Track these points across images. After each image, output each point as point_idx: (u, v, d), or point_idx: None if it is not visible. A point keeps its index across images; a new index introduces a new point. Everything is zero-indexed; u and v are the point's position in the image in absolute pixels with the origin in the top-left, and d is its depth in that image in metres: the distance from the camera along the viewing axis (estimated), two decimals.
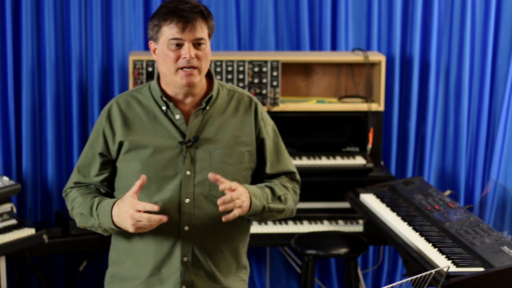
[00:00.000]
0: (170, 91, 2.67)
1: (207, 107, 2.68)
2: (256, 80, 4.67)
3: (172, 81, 2.63)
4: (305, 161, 4.65)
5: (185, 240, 2.64)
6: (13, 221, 4.28)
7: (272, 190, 2.71)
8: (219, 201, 2.53)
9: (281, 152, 2.80)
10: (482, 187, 5.04)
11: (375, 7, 4.95)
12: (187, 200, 2.63)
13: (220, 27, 4.93)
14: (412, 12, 4.95)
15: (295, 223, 4.63)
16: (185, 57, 2.57)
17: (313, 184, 4.68)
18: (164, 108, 2.66)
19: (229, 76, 4.65)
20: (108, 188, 2.73)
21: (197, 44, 2.59)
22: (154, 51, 2.65)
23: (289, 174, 2.82)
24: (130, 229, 2.54)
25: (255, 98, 2.78)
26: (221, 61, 4.64)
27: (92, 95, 4.86)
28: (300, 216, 4.66)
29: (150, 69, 4.59)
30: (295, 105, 4.74)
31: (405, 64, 5.03)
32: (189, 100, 2.67)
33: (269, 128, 2.78)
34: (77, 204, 2.70)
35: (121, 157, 2.66)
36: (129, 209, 2.52)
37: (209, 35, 2.63)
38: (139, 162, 2.63)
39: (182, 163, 2.63)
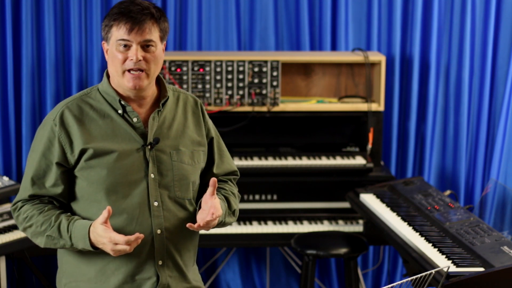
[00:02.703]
0: (121, 92, 2.62)
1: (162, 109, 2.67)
2: (256, 80, 4.67)
3: (120, 83, 2.58)
4: (305, 161, 4.65)
5: (159, 243, 2.61)
6: (13, 221, 4.28)
7: (229, 204, 2.73)
8: (201, 225, 2.56)
9: (223, 151, 2.83)
10: (482, 187, 5.04)
11: (375, 7, 4.95)
12: (156, 203, 2.60)
13: (220, 27, 4.93)
14: (412, 12, 4.95)
15: (295, 223, 4.63)
16: (132, 59, 2.52)
17: (313, 184, 4.68)
18: (120, 111, 2.61)
19: (229, 76, 4.65)
20: (63, 199, 2.63)
21: (145, 46, 2.54)
22: (106, 52, 2.60)
23: (233, 174, 2.86)
24: (111, 253, 2.50)
25: (198, 98, 2.79)
26: (221, 61, 4.64)
27: None
28: (300, 216, 4.66)
29: None
30: (295, 105, 4.74)
31: (405, 64, 5.03)
32: (141, 102, 2.63)
33: (211, 127, 2.80)
34: (37, 223, 2.59)
35: (82, 165, 2.57)
36: (105, 234, 2.48)
37: (161, 38, 2.58)
38: (105, 168, 2.56)
39: (146, 166, 2.60)
